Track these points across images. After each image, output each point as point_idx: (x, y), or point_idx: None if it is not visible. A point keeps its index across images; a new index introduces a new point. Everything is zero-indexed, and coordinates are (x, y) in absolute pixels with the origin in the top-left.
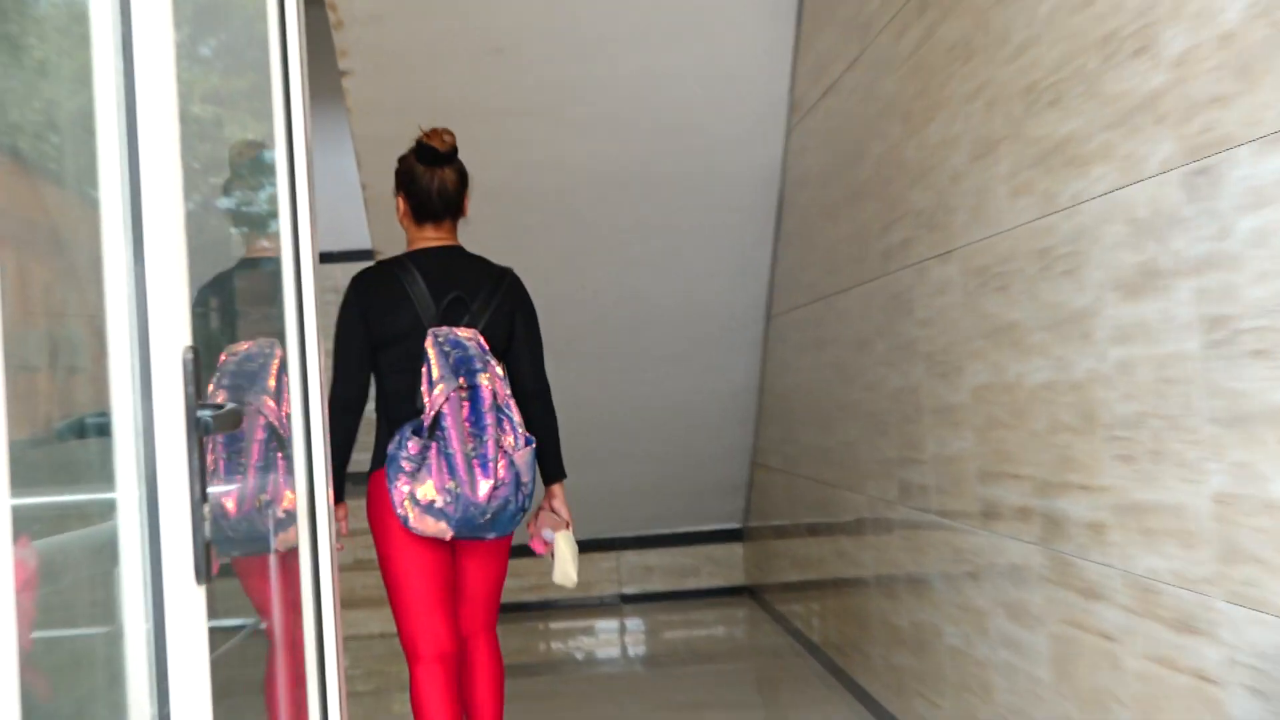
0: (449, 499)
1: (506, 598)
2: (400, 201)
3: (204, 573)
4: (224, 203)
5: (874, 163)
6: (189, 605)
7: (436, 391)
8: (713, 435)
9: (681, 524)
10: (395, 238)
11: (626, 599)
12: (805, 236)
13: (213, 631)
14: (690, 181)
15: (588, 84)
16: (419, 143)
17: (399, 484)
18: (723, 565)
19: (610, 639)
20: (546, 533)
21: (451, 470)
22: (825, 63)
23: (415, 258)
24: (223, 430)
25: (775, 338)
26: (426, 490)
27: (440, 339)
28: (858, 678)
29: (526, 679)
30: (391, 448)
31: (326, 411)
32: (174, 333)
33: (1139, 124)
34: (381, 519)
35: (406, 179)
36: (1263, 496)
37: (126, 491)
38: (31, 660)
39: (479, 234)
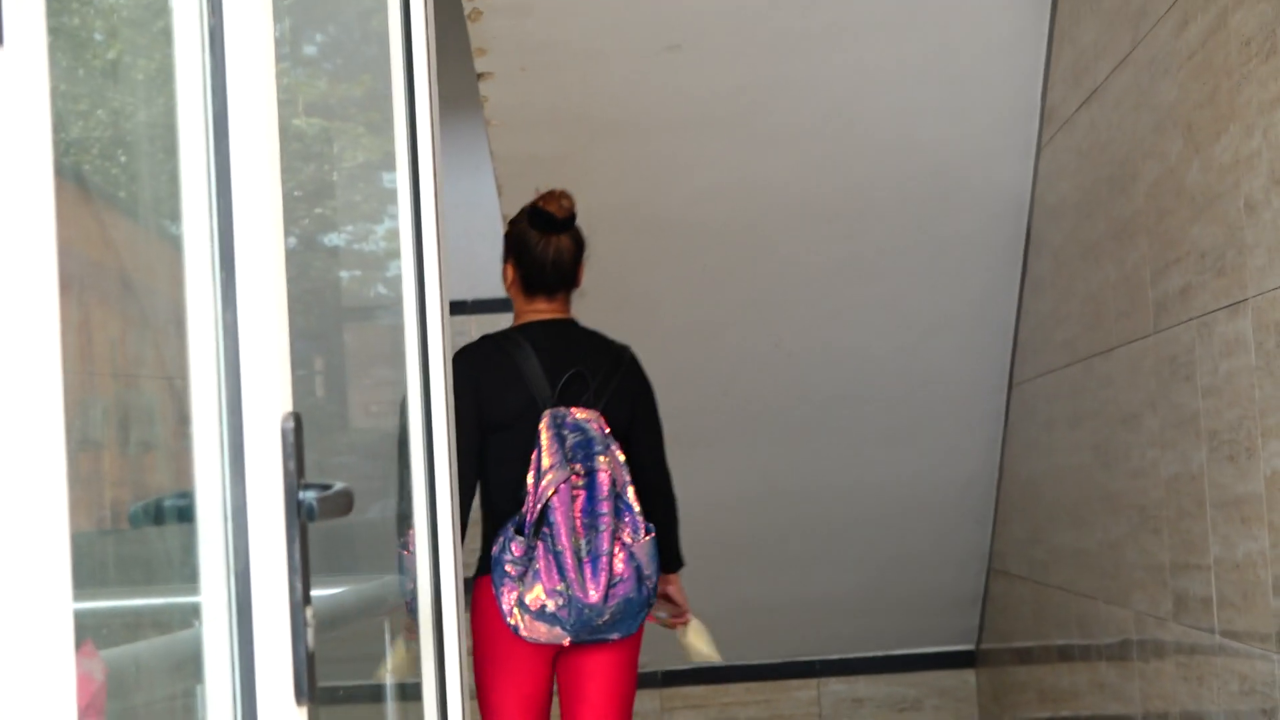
0: (560, 601)
1: None
2: (509, 270)
3: (305, 691)
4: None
5: (1147, 189)
6: None
7: (545, 481)
8: (939, 534)
9: (900, 645)
10: None
11: None
12: (1060, 283)
13: None
14: (914, 212)
15: (785, 89)
16: (534, 207)
17: (505, 591)
18: (951, 697)
19: None
20: (661, 614)
21: (561, 570)
22: (1087, 62)
23: (527, 331)
24: (330, 516)
25: (1019, 411)
26: (536, 594)
27: (558, 421)
28: None
29: None
30: (495, 550)
31: (457, 493)
32: (272, 396)
33: None
34: (487, 627)
35: (518, 246)
36: None
37: (213, 591)
38: None
39: (645, 278)
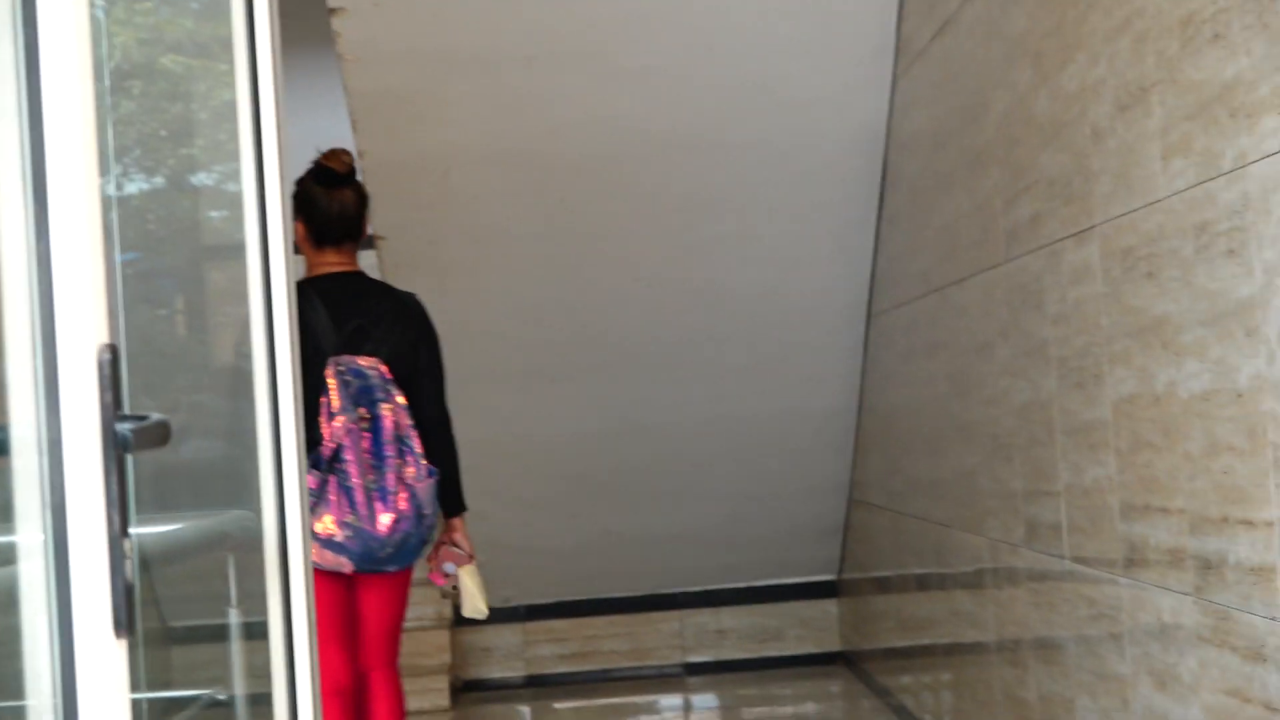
0: (349, 533)
1: (548, 667)
2: (299, 226)
3: (124, 623)
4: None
5: (998, 119)
6: (107, 662)
7: (336, 423)
8: (801, 466)
9: (762, 577)
10: (402, 219)
11: (692, 669)
12: (915, 214)
13: (163, 703)
14: (773, 146)
15: (641, 23)
16: (316, 164)
17: None
18: (813, 627)
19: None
20: (448, 566)
21: (351, 504)
22: None
23: (316, 283)
24: (146, 447)
25: (878, 342)
26: (325, 525)
27: (341, 368)
28: None
29: None
30: None
31: (302, 428)
32: (87, 327)
33: None
34: None
35: (305, 203)
36: None
37: (28, 525)
38: None
39: (504, 214)
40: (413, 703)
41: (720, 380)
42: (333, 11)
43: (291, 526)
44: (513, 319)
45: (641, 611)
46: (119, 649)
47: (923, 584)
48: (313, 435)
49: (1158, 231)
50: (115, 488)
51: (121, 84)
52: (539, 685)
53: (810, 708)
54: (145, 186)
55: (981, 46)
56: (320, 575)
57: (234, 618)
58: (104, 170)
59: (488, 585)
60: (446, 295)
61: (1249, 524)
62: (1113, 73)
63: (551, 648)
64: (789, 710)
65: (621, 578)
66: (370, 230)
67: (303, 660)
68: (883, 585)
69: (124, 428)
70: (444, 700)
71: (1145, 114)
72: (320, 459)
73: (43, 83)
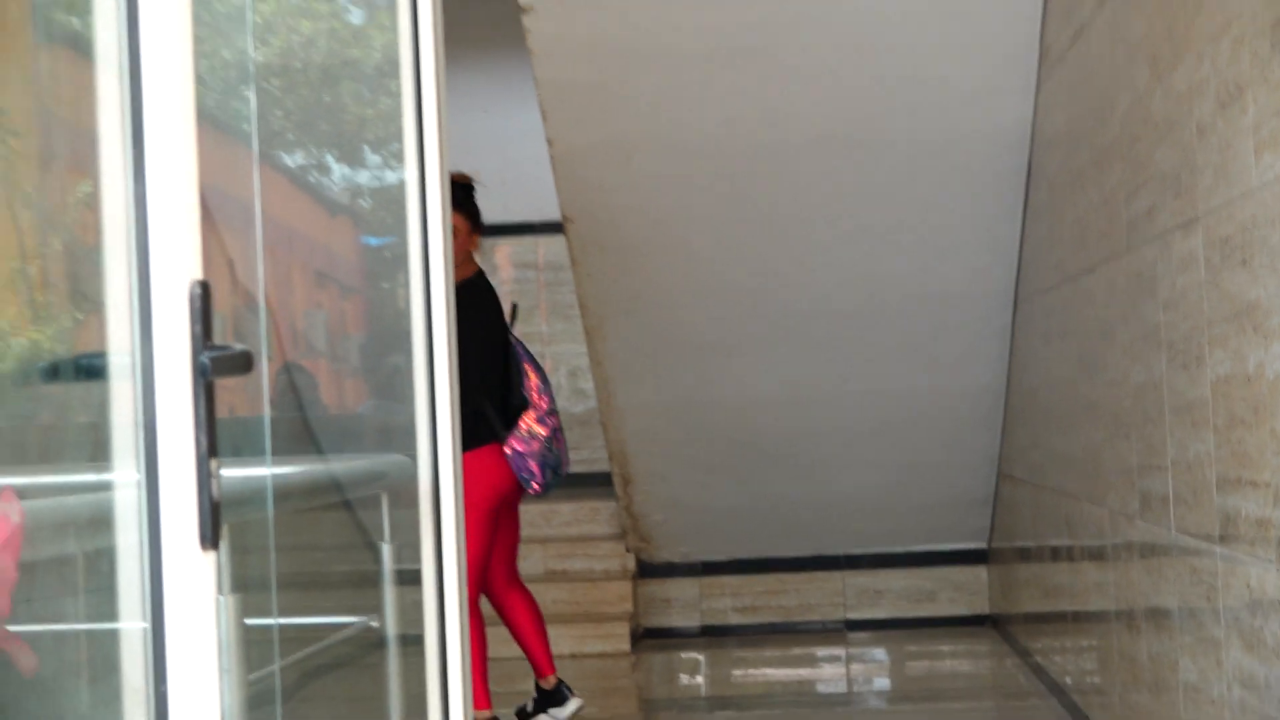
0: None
1: (721, 619)
2: (464, 221)
3: (209, 537)
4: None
5: (1121, 118)
6: (193, 574)
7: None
8: (954, 440)
9: (918, 542)
10: (588, 203)
11: (852, 625)
12: (1054, 208)
13: (315, 630)
14: (926, 142)
15: (804, 23)
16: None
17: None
18: (964, 591)
19: (833, 670)
20: None
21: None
22: (1076, 2)
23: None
24: (227, 375)
25: (1024, 326)
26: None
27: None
28: (1093, 716)
29: (729, 711)
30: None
31: (456, 397)
32: (181, 264)
33: None
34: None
35: (471, 200)
36: None
37: (122, 446)
38: (10, 624)
39: (681, 199)
40: (596, 646)
41: (878, 358)
42: (523, 9)
43: (444, 472)
44: (689, 296)
45: (806, 571)
46: (206, 561)
47: (1055, 554)
48: (520, 398)
49: (1251, 221)
50: (203, 411)
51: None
52: (712, 635)
53: (959, 665)
54: (392, 178)
55: (1109, 50)
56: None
57: (386, 552)
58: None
59: (671, 543)
60: (629, 273)
61: None
62: (1215, 72)
63: (725, 600)
64: (940, 665)
65: (789, 538)
66: (560, 212)
67: (451, 594)
68: (1024, 554)
69: (204, 357)
70: (625, 645)
71: (1241, 111)
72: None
73: (141, 37)
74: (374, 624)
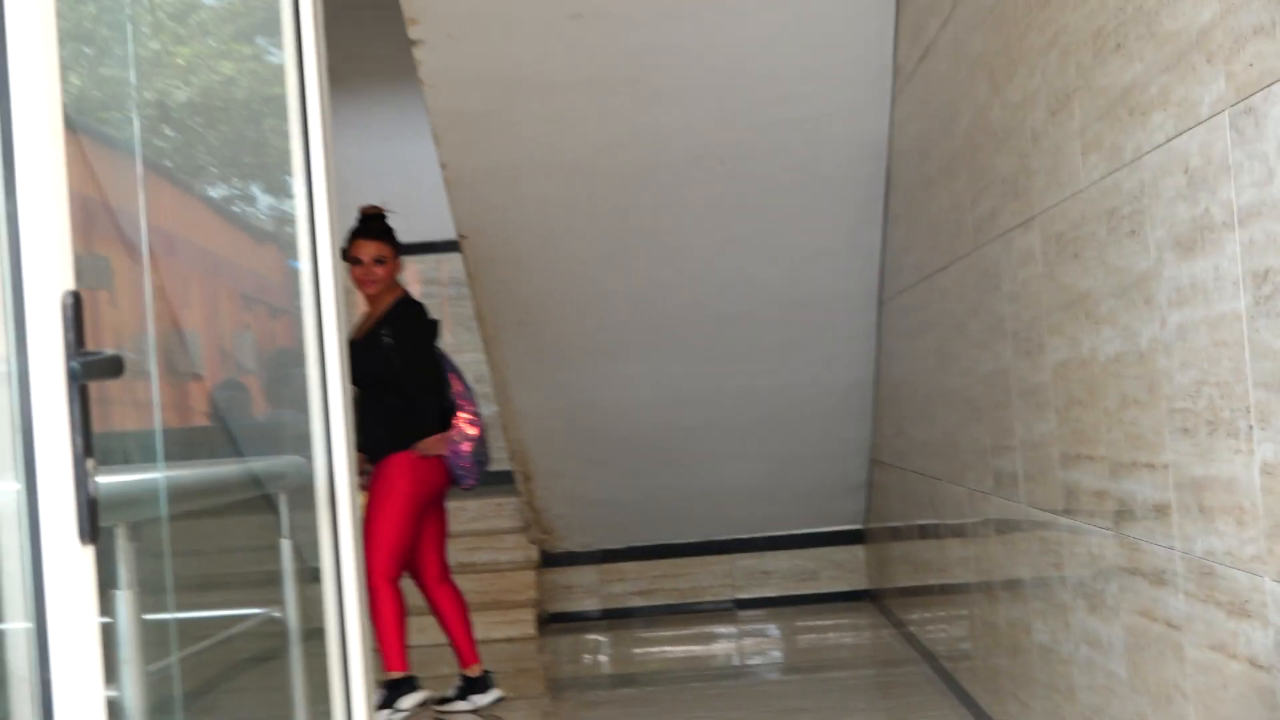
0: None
1: (620, 602)
2: (392, 249)
3: (88, 532)
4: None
5: (965, 128)
6: (74, 568)
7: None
8: (828, 431)
9: (799, 526)
10: (481, 221)
11: (741, 604)
12: (910, 214)
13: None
14: (793, 156)
15: (676, 52)
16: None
17: None
18: (844, 569)
19: (725, 646)
20: None
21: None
22: (922, 20)
23: None
24: (98, 378)
25: (887, 324)
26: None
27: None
28: (964, 683)
29: (631, 688)
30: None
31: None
32: (53, 276)
33: (1193, 62)
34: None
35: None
36: None
37: (1, 447)
38: None
39: (566, 215)
40: (503, 631)
41: (755, 357)
42: (414, 43)
43: (339, 471)
44: (577, 306)
45: (698, 555)
46: (86, 555)
47: (923, 532)
48: (450, 401)
49: (1080, 218)
50: (78, 413)
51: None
52: (613, 617)
53: (841, 637)
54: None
55: (952, 66)
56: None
57: (285, 548)
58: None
59: (571, 534)
60: (521, 286)
61: (1149, 466)
62: (1045, 82)
63: (622, 585)
64: (824, 638)
65: (681, 526)
66: (456, 231)
67: (350, 586)
68: (895, 533)
69: (75, 362)
70: (531, 630)
71: (1069, 117)
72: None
73: (9, 53)
74: (276, 615)
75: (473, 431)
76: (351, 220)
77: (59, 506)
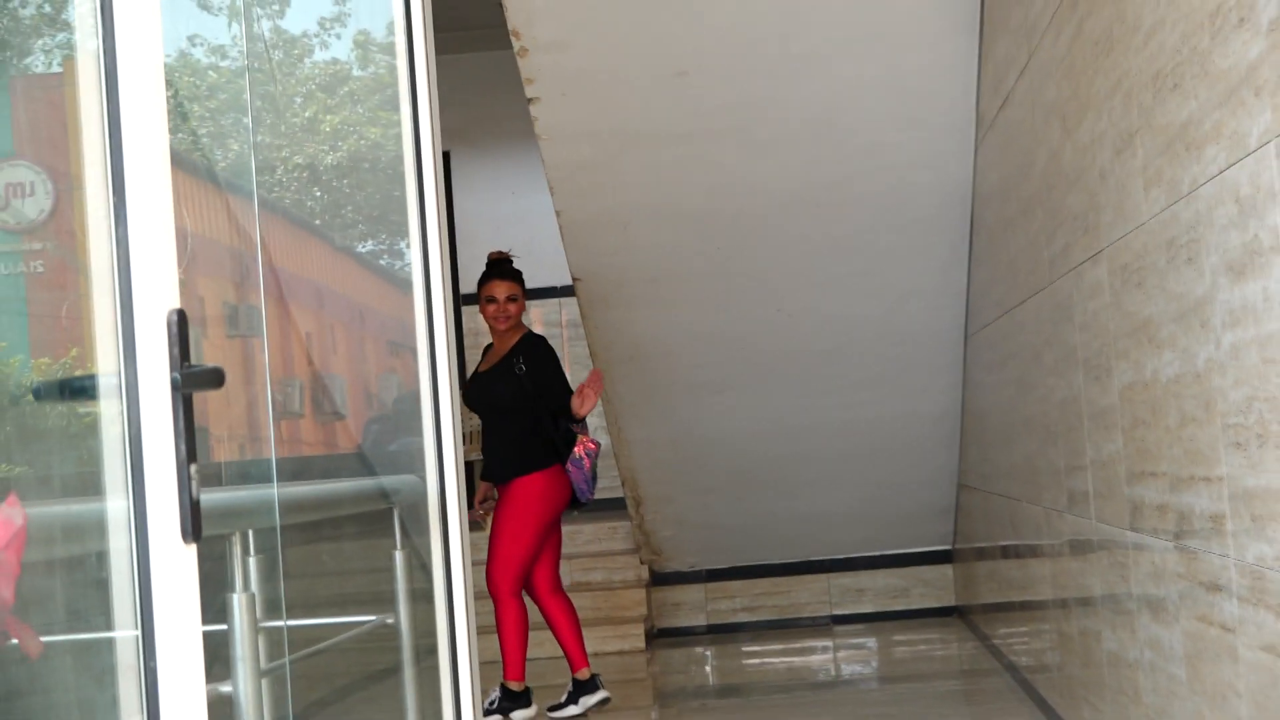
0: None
1: (724, 618)
2: (521, 288)
3: (190, 532)
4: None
5: (1040, 171)
6: (178, 565)
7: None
8: (919, 458)
9: (892, 546)
10: (594, 265)
11: (837, 619)
12: (993, 253)
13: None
14: (883, 200)
15: (773, 103)
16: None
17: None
18: (933, 587)
19: (823, 658)
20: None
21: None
22: (1002, 72)
23: None
24: (198, 389)
25: (973, 357)
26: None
27: None
28: (1043, 691)
29: (734, 697)
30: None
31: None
32: (160, 295)
33: (1243, 97)
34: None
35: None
36: None
37: (112, 454)
38: (15, 613)
39: (672, 259)
40: (614, 645)
41: (850, 390)
42: (530, 101)
43: (449, 488)
44: (684, 342)
45: (797, 574)
46: (189, 553)
47: (1005, 551)
48: (568, 428)
49: (1143, 249)
50: (181, 422)
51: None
52: (718, 632)
53: (931, 650)
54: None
55: (1028, 114)
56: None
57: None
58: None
59: (679, 555)
60: (633, 324)
61: (1206, 480)
62: (1111, 124)
63: (727, 603)
64: (914, 651)
65: (781, 547)
66: (570, 275)
67: (459, 592)
68: (980, 553)
69: (176, 373)
70: (640, 644)
71: (1132, 155)
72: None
73: (120, 75)
74: (389, 621)
75: (592, 446)
76: (478, 266)
77: (164, 508)
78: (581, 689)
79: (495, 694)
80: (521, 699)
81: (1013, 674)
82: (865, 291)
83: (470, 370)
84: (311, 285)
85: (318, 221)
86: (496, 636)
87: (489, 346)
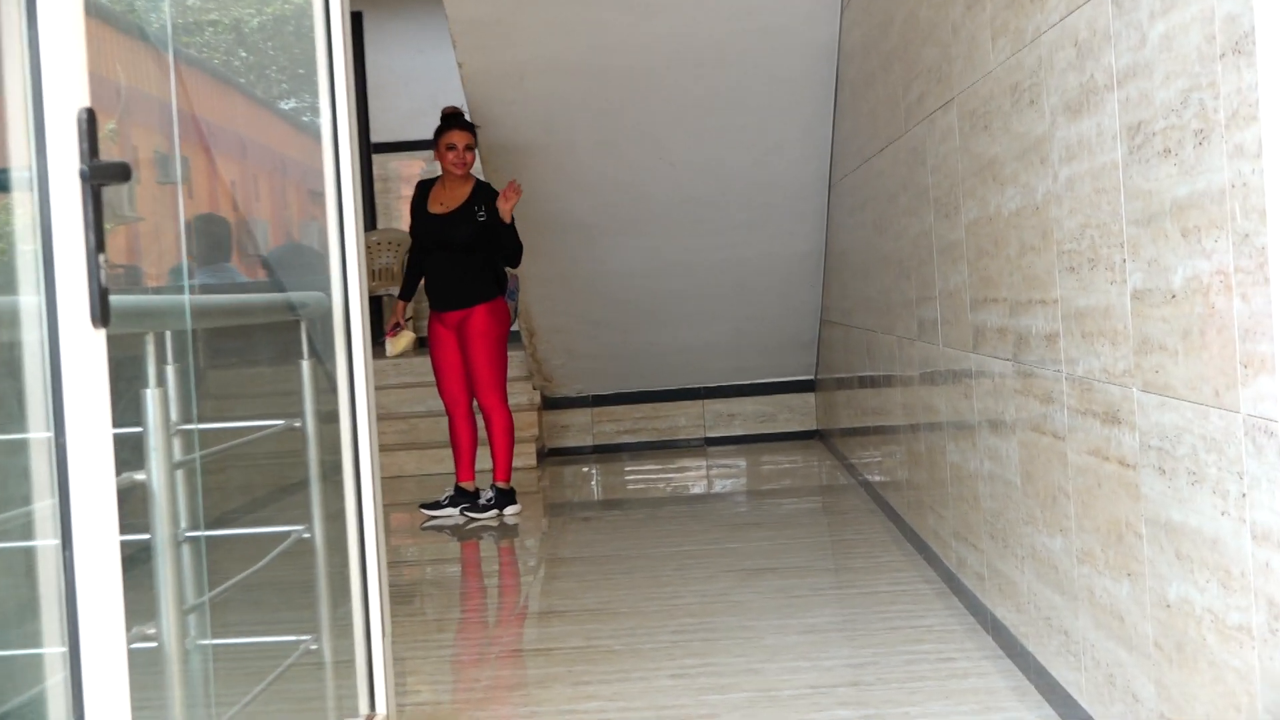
0: None
1: (608, 439)
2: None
3: (99, 315)
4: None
5: (899, 28)
6: (86, 349)
7: None
8: (786, 295)
9: (761, 376)
10: (493, 113)
11: (711, 441)
12: (855, 107)
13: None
14: (757, 58)
15: None
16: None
17: None
18: (797, 412)
19: (697, 475)
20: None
21: None
22: None
23: None
24: (106, 182)
25: (836, 202)
26: None
27: None
28: (892, 503)
29: (616, 510)
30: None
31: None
32: (70, 94)
33: None
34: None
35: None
36: (1166, 288)
37: (24, 245)
38: None
39: (563, 113)
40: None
41: (725, 233)
42: None
43: (354, 310)
44: (574, 188)
45: (675, 400)
46: (98, 338)
47: (861, 381)
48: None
49: (990, 94)
50: (91, 213)
51: None
52: (603, 452)
53: (793, 467)
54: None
55: None
56: None
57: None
58: None
59: (568, 381)
60: (527, 169)
61: (1043, 303)
62: None
63: (611, 425)
64: (780, 469)
65: (661, 375)
66: (470, 120)
67: (361, 400)
68: (840, 382)
69: (83, 166)
70: (533, 461)
71: (981, 9)
72: None
73: None
74: (296, 424)
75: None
76: (388, 117)
77: (74, 295)
78: (507, 497)
79: (489, 493)
80: (510, 496)
81: (867, 490)
82: (740, 144)
83: (396, 211)
84: (236, 136)
85: (242, 80)
86: (460, 445)
87: (425, 187)
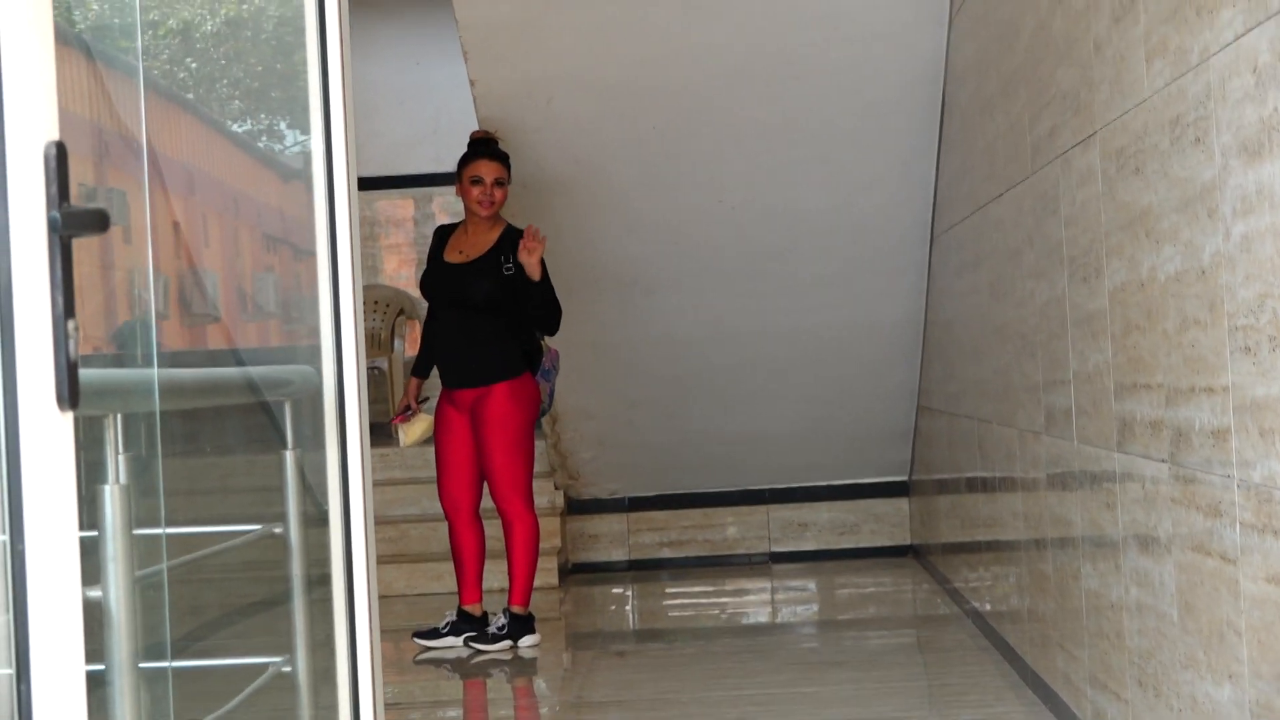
0: None
1: (648, 553)
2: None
3: (67, 397)
4: None
5: (1025, 43)
6: (52, 434)
7: None
8: (873, 373)
9: (841, 476)
10: (511, 145)
11: (776, 558)
12: (966, 139)
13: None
14: (842, 77)
15: None
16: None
17: None
18: (886, 522)
19: (759, 601)
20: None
21: None
22: None
23: None
24: (82, 232)
25: (939, 260)
26: None
27: None
28: (1008, 638)
29: (656, 643)
30: None
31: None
32: (37, 125)
33: None
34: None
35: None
36: None
37: None
38: None
39: (601, 139)
40: None
41: (797, 293)
42: None
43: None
44: (611, 235)
45: (732, 505)
46: (65, 421)
47: (970, 483)
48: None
49: (1143, 129)
50: (59, 271)
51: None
52: (640, 569)
53: (881, 592)
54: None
55: None
56: None
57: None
58: None
59: (598, 480)
60: (554, 211)
61: (1210, 391)
62: None
63: (651, 536)
64: (862, 595)
65: (715, 473)
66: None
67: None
68: (942, 485)
69: (55, 212)
70: (553, 580)
71: (1133, 22)
72: None
73: None
74: (277, 530)
75: (554, 354)
76: (377, 143)
77: (38, 370)
78: (523, 625)
79: (501, 619)
80: (528, 623)
81: (975, 621)
82: (818, 183)
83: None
84: (184, 169)
85: (190, 95)
86: (464, 558)
87: (445, 233)
